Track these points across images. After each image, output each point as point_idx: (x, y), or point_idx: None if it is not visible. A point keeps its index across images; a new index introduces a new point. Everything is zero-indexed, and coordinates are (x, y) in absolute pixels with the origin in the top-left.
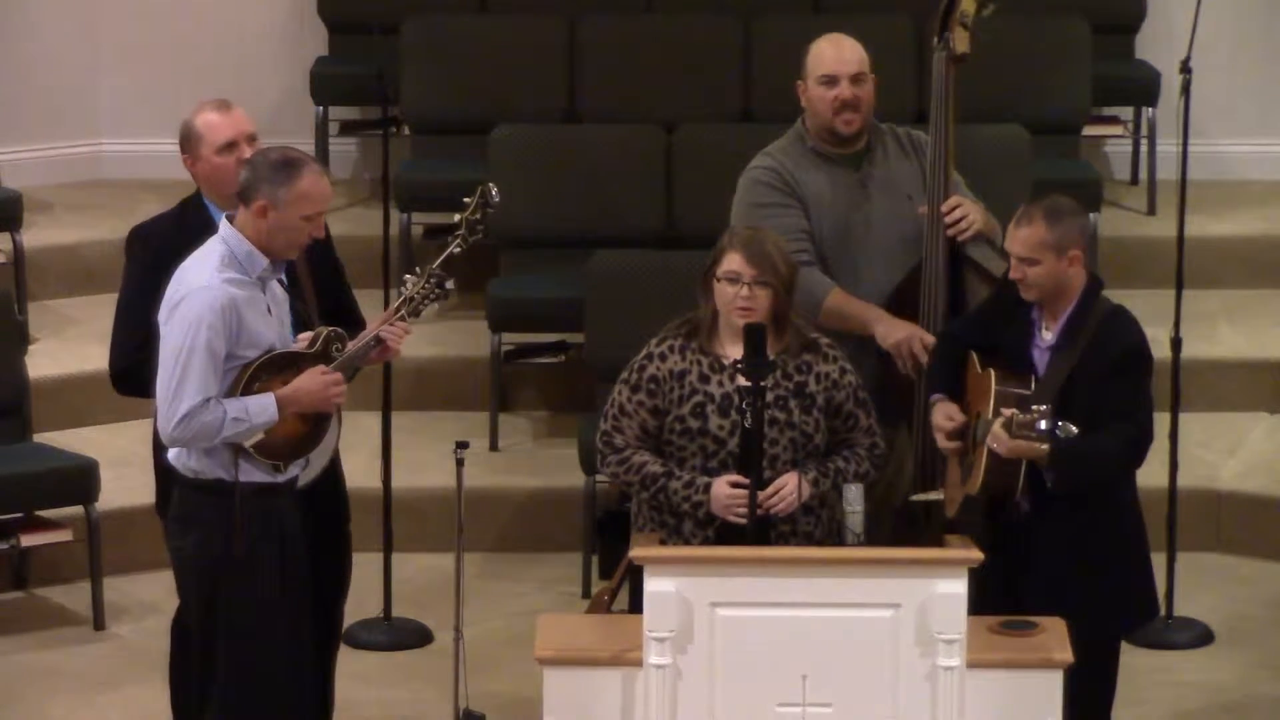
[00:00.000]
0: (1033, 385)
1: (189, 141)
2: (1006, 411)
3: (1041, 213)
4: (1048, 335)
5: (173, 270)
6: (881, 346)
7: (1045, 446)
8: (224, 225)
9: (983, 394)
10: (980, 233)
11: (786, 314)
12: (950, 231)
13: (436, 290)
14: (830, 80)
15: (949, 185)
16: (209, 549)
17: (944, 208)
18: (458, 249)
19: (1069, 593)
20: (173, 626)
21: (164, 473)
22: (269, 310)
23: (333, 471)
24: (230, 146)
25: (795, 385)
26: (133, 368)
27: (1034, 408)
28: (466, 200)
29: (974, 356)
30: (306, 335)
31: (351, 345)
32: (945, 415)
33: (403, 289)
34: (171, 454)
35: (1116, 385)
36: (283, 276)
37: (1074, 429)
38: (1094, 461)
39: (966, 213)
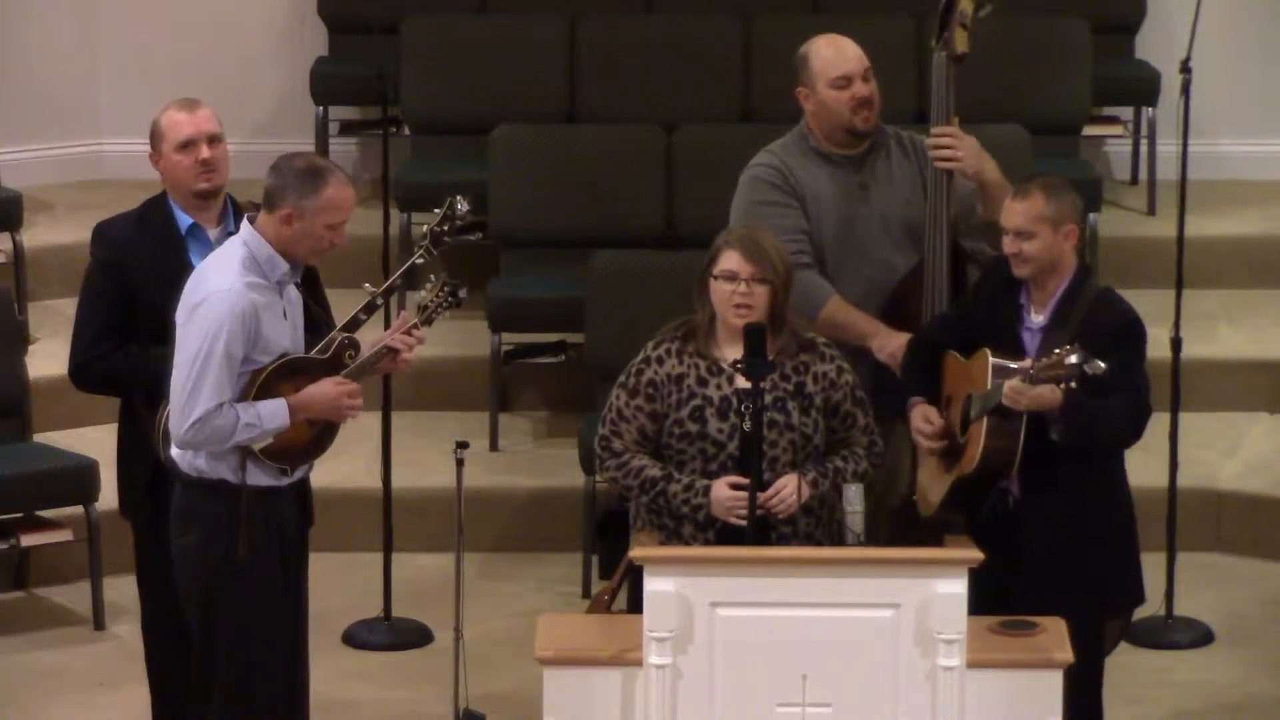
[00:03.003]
0: (1028, 362)
1: (153, 138)
2: (1022, 365)
3: (1039, 187)
4: (1038, 317)
5: (130, 268)
6: (878, 358)
7: (1060, 395)
8: (245, 227)
9: (973, 376)
10: (964, 171)
11: (784, 313)
12: (932, 154)
13: (450, 299)
14: (845, 81)
15: (950, 186)
16: (210, 549)
17: (935, 131)
18: (421, 260)
19: (1057, 579)
20: (143, 629)
21: (128, 473)
22: (284, 314)
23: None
24: (188, 145)
25: (794, 386)
26: (85, 364)
27: (1056, 350)
28: (436, 210)
29: (953, 354)
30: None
31: (364, 353)
32: (924, 418)
33: (386, 298)
34: (175, 452)
35: (1116, 358)
36: (299, 280)
37: (1101, 364)
38: (1101, 419)
39: (955, 145)
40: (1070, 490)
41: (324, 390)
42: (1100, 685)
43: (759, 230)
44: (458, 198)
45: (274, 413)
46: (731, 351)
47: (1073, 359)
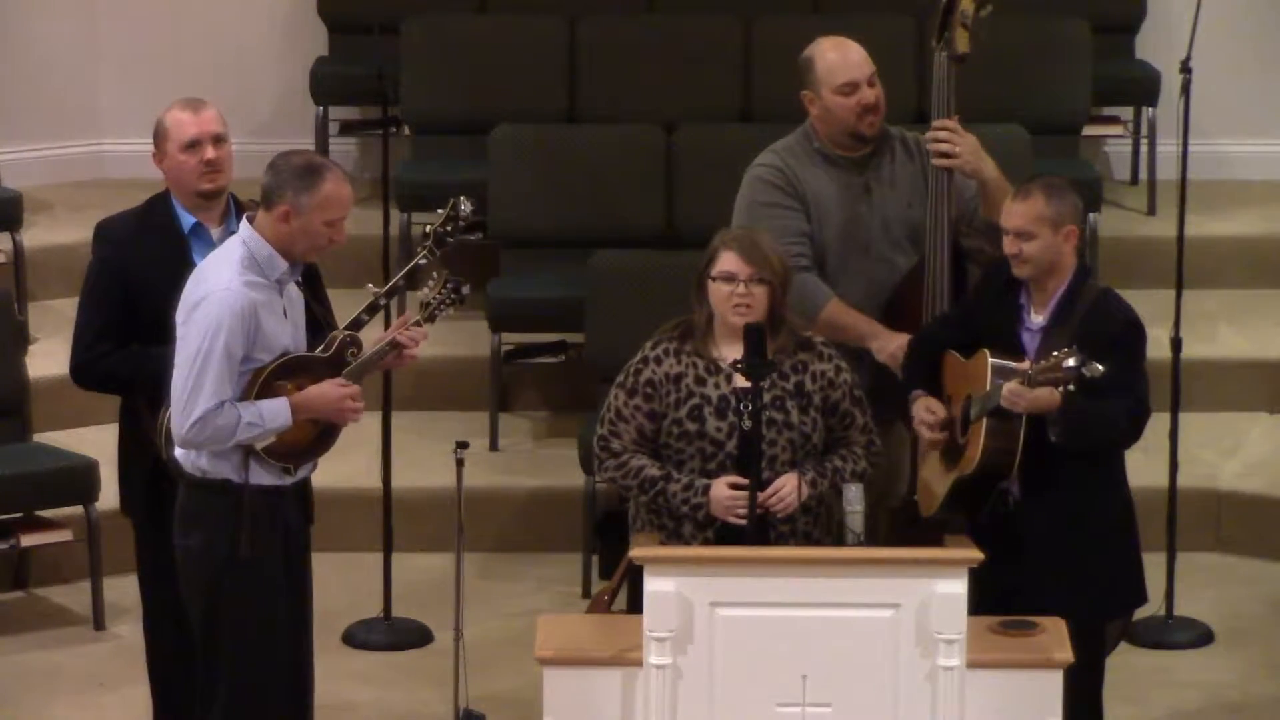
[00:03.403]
0: (1027, 363)
1: (157, 137)
2: (1021, 367)
3: (1040, 188)
4: (1038, 318)
5: (133, 267)
6: (877, 359)
7: (1059, 396)
8: (244, 227)
9: (973, 377)
10: (966, 169)
11: (782, 312)
12: (930, 149)
13: (453, 296)
14: (851, 87)
15: (950, 186)
16: (214, 548)
17: (934, 125)
18: (424, 260)
19: (1058, 579)
20: (145, 629)
21: (129, 471)
22: (285, 313)
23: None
24: (194, 145)
25: (792, 385)
26: (88, 362)
27: (1055, 353)
28: (440, 211)
29: (953, 354)
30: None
31: (367, 350)
32: (927, 408)
33: (385, 299)
34: (179, 452)
35: (1116, 359)
36: (299, 278)
37: (1099, 366)
38: (1099, 420)
39: (954, 141)
40: (1071, 490)
41: (326, 391)
42: (1100, 686)
43: (756, 231)
44: (461, 198)
45: (276, 412)
46: (730, 351)
47: (1070, 362)
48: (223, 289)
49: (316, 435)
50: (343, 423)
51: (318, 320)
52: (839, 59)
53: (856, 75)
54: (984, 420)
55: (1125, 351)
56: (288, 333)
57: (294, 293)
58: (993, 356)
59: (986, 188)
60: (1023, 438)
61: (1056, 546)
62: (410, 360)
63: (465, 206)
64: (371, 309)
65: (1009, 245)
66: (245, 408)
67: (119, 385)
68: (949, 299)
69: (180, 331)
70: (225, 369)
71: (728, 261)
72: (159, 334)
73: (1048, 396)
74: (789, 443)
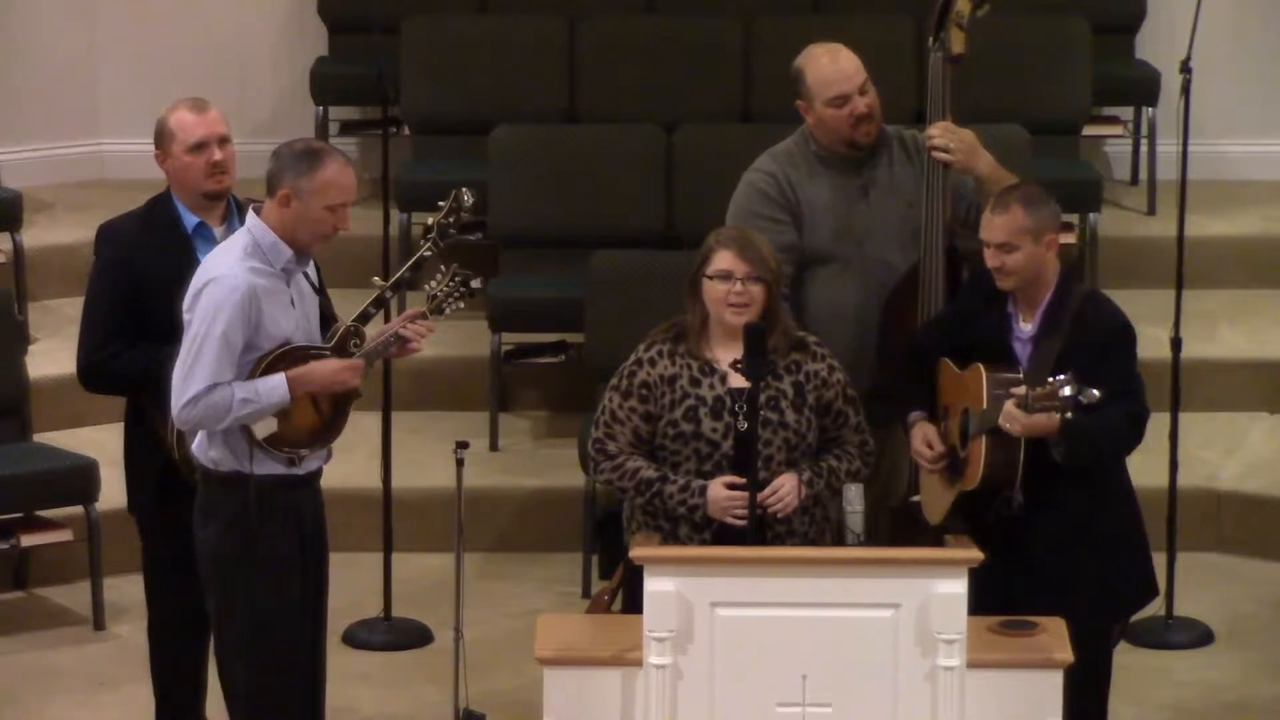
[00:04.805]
0: (1021, 374)
1: (161, 138)
2: (1018, 390)
3: (1017, 199)
4: (1026, 326)
5: (139, 267)
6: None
7: (1057, 419)
8: (250, 216)
9: (968, 390)
10: (958, 165)
11: (777, 312)
12: (929, 148)
13: (461, 289)
14: (842, 100)
15: (945, 188)
16: (226, 540)
17: (931, 129)
18: (428, 252)
19: (1066, 581)
20: (149, 629)
21: (136, 471)
22: (292, 303)
23: None
24: (200, 147)
25: (788, 385)
26: (96, 364)
27: (1050, 379)
28: (441, 204)
29: (947, 361)
30: None
31: (370, 341)
32: (924, 441)
33: (402, 293)
34: (194, 445)
35: (1110, 363)
36: (309, 272)
37: (1095, 392)
38: (1102, 435)
39: (948, 141)
40: (1075, 493)
41: (325, 364)
42: (1108, 687)
43: (749, 230)
44: (463, 190)
45: (272, 388)
46: (724, 352)
47: (1067, 391)
48: (225, 275)
49: (320, 423)
50: (341, 389)
51: (323, 315)
52: (829, 70)
53: (847, 88)
54: (984, 437)
55: (1119, 355)
56: (294, 322)
57: (305, 287)
58: (987, 369)
59: (983, 185)
60: (1024, 450)
61: (1061, 549)
62: (415, 350)
63: (467, 198)
64: (377, 302)
65: (991, 259)
66: (241, 386)
67: (129, 385)
68: (943, 300)
69: (185, 319)
70: (223, 353)
71: (724, 260)
72: (166, 334)
73: (1046, 421)
74: (784, 443)
